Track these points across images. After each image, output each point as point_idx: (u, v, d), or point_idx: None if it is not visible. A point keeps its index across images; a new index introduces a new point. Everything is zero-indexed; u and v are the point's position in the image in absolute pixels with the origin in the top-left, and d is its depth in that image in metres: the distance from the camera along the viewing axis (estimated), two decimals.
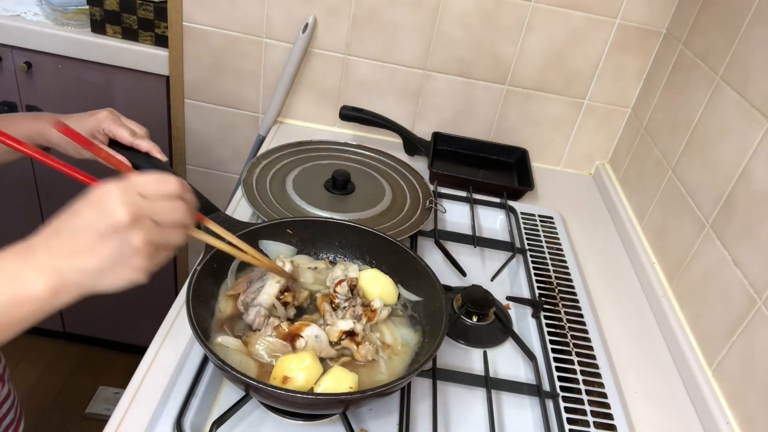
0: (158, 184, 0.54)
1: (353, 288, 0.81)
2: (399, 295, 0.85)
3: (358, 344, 0.74)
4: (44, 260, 0.51)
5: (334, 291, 0.80)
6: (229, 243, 0.72)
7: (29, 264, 0.51)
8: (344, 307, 0.78)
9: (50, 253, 0.51)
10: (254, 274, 0.81)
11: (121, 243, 0.51)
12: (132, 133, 0.87)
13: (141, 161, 0.88)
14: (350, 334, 0.75)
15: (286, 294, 0.78)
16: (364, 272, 0.85)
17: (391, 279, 0.85)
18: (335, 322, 0.76)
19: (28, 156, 0.57)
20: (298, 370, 0.68)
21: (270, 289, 0.78)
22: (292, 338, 0.73)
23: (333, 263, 0.89)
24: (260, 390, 0.64)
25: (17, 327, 0.52)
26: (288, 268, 0.80)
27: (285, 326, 0.74)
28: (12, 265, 0.51)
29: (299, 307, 0.81)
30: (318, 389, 0.68)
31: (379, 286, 0.83)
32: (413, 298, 0.84)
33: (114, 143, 0.88)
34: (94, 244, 0.51)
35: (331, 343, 0.75)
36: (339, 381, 0.69)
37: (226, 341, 0.73)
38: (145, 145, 0.88)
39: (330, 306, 0.79)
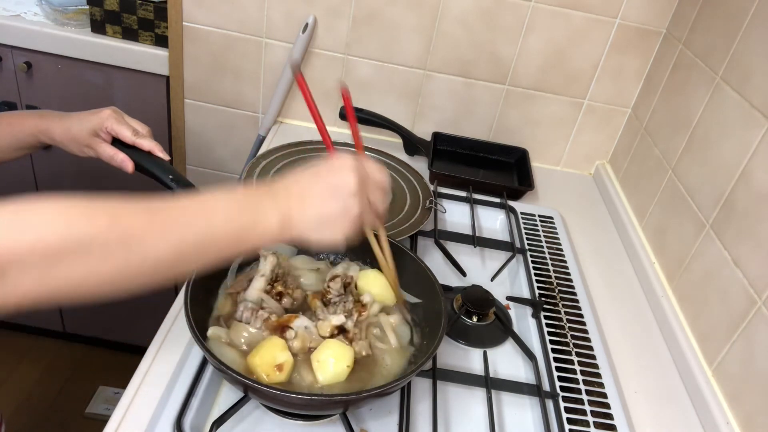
0: (380, 173, 0.65)
1: (347, 285, 0.81)
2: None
3: (351, 340, 0.74)
4: (282, 199, 0.59)
5: (327, 286, 0.80)
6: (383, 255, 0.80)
7: (270, 199, 0.59)
8: (335, 303, 0.79)
9: (287, 194, 0.60)
10: (254, 273, 0.81)
11: (344, 204, 0.60)
12: (134, 132, 0.87)
13: (143, 160, 0.88)
14: (342, 330, 0.75)
15: (276, 285, 0.79)
16: (364, 272, 0.85)
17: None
18: (327, 317, 0.76)
19: None
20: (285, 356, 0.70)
21: (256, 283, 0.78)
22: (281, 330, 0.74)
23: (333, 264, 0.89)
24: (259, 391, 0.64)
25: (249, 247, 0.59)
26: (270, 260, 0.80)
27: (274, 318, 0.75)
28: (256, 196, 0.60)
29: (294, 300, 0.80)
30: (316, 364, 0.70)
31: (378, 286, 0.83)
32: (413, 300, 0.84)
33: (117, 142, 0.88)
34: (323, 198, 0.60)
35: (322, 338, 0.75)
36: (337, 357, 0.71)
37: (216, 332, 0.73)
38: (147, 144, 0.88)
39: (321, 302, 0.79)
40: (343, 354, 0.71)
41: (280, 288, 0.79)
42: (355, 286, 0.83)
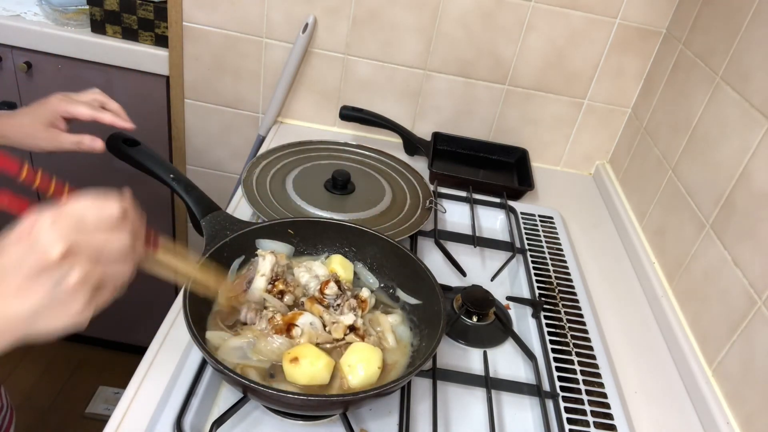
0: (96, 211, 0.47)
1: (338, 284, 0.80)
2: (398, 298, 0.85)
3: (362, 337, 0.75)
4: None
5: (322, 294, 0.79)
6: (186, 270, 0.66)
7: None
8: (338, 304, 0.78)
9: None
10: (250, 273, 0.81)
11: (54, 284, 0.45)
12: (90, 107, 0.84)
13: (144, 159, 0.88)
14: (352, 328, 0.76)
15: (276, 283, 0.79)
16: (331, 260, 0.86)
17: (344, 257, 0.87)
18: (337, 318, 0.76)
19: None
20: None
21: (258, 283, 0.78)
22: (288, 328, 0.74)
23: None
24: (257, 392, 0.64)
25: None
26: (270, 259, 0.80)
27: (279, 318, 0.75)
28: None
29: (296, 297, 0.80)
30: (347, 369, 0.70)
31: (345, 269, 0.85)
32: (413, 301, 0.84)
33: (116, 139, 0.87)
34: (23, 286, 0.45)
35: (335, 339, 0.75)
36: (367, 360, 0.71)
37: (212, 337, 0.73)
38: (108, 117, 0.85)
39: (322, 306, 0.78)
40: (373, 356, 0.71)
41: (281, 286, 0.79)
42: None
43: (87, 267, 0.46)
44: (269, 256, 0.80)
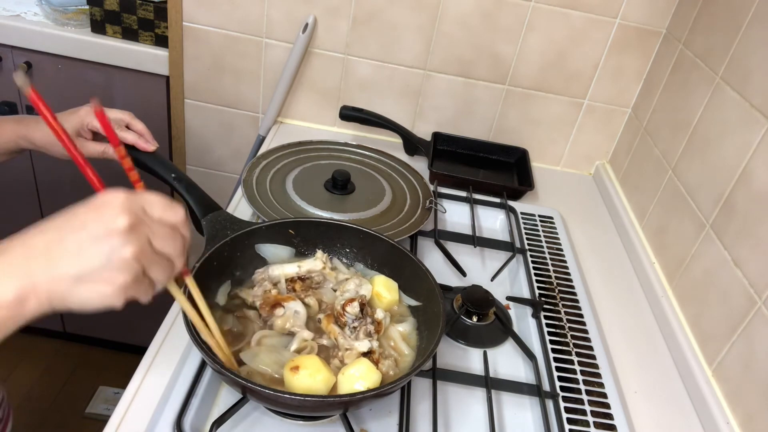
0: (165, 209, 0.51)
1: (362, 306, 0.78)
2: (399, 299, 0.85)
3: (377, 362, 0.73)
4: (18, 260, 0.46)
5: (343, 310, 0.77)
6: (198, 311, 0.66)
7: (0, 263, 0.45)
8: (355, 327, 0.76)
9: (27, 253, 0.46)
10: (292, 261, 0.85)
11: (111, 250, 0.46)
12: (116, 125, 0.87)
13: (146, 158, 0.89)
14: (367, 353, 0.74)
15: (297, 281, 0.80)
16: (373, 280, 0.84)
17: (395, 282, 0.85)
18: (352, 345, 0.74)
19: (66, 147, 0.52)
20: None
21: (287, 268, 0.81)
22: (273, 305, 0.75)
23: (334, 269, 0.87)
24: (256, 392, 0.64)
25: None
26: (316, 264, 0.82)
27: (274, 293, 0.77)
28: None
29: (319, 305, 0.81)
30: (341, 377, 0.70)
31: (391, 290, 0.83)
32: (413, 303, 0.84)
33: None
34: (81, 247, 0.46)
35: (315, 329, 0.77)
36: (365, 378, 0.70)
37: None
38: (130, 137, 0.88)
39: (337, 326, 0.77)
40: (370, 376, 0.70)
41: (297, 287, 0.80)
42: (368, 305, 0.81)
43: (143, 246, 0.48)
44: (320, 260, 0.83)
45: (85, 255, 0.46)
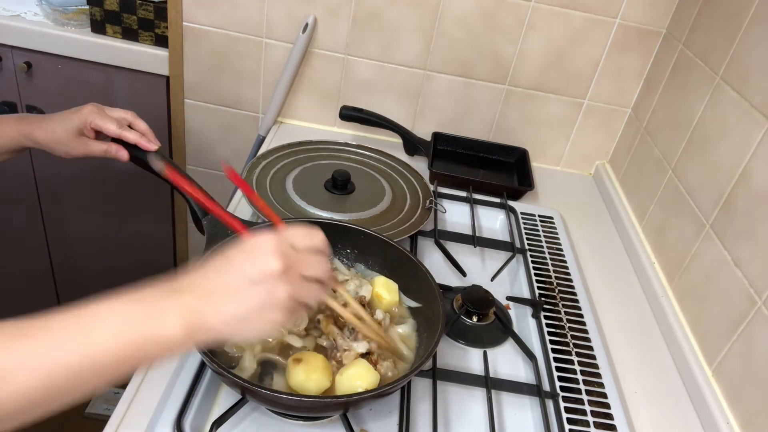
0: (307, 238, 0.57)
1: (363, 307, 0.77)
2: (400, 301, 0.85)
3: (375, 363, 0.73)
4: (189, 301, 0.51)
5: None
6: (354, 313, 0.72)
7: (174, 303, 0.51)
8: (353, 328, 0.76)
9: (197, 294, 0.52)
10: None
11: (268, 293, 0.52)
12: (119, 124, 0.87)
13: (144, 156, 0.89)
14: (365, 354, 0.74)
15: (323, 314, 0.78)
16: (374, 281, 0.84)
17: (395, 283, 0.85)
18: (350, 345, 0.74)
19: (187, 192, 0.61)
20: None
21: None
22: None
23: (334, 270, 0.87)
24: (256, 393, 0.64)
25: (149, 362, 0.52)
26: (362, 290, 0.81)
27: None
28: (157, 302, 0.50)
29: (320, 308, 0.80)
30: (339, 377, 0.70)
31: (391, 291, 0.83)
32: (413, 304, 0.84)
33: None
34: (242, 291, 0.52)
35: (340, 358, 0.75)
36: (362, 379, 0.70)
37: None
38: (132, 137, 0.88)
39: (337, 327, 0.76)
40: (368, 377, 0.70)
41: (321, 318, 0.79)
42: (368, 305, 0.81)
43: (295, 283, 0.54)
44: (364, 290, 0.82)
45: (246, 299, 0.52)
